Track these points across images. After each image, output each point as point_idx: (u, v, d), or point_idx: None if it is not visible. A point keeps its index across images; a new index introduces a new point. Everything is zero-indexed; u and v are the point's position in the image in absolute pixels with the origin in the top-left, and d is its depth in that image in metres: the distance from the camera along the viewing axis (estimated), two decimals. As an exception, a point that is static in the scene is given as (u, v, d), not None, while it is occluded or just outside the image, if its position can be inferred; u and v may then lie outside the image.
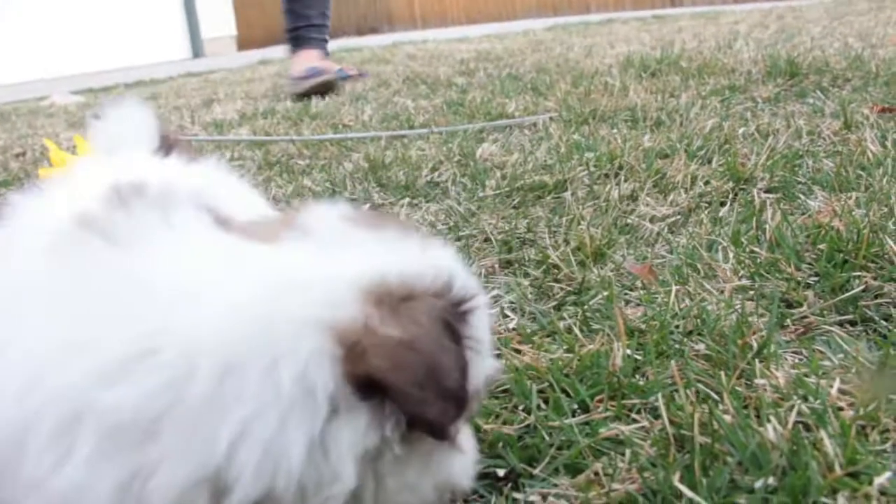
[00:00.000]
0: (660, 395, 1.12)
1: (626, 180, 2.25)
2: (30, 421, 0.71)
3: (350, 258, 0.77)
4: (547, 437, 1.14)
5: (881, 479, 0.96)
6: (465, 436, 0.88)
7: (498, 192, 2.35)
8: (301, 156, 3.30)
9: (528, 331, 1.46)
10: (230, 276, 0.75)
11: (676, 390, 1.17)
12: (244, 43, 14.32)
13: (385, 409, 0.72)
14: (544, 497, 1.02)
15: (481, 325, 0.82)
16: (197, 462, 0.69)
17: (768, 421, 1.08)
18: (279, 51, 7.90)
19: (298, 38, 5.31)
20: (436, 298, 0.77)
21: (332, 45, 6.59)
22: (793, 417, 1.08)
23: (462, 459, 0.87)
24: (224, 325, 0.71)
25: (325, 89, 5.05)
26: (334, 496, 0.72)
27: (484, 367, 0.83)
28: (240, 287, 0.73)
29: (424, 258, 0.81)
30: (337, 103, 4.67)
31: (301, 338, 0.70)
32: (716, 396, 1.16)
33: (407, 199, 2.45)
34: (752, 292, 1.50)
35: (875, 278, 1.49)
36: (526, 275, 1.75)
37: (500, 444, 1.13)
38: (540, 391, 1.25)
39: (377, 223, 0.86)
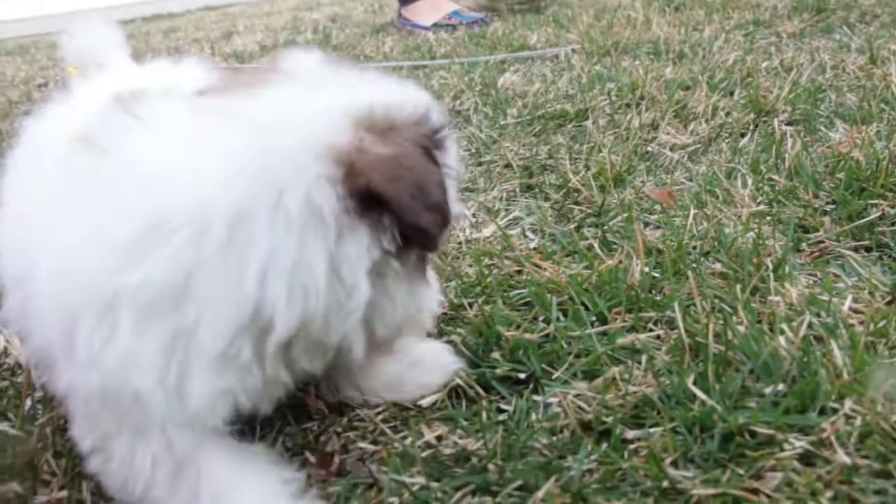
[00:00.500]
0: (676, 305, 1.16)
1: (647, 110, 2.27)
2: (75, 310, 0.77)
3: (335, 94, 0.83)
4: (566, 346, 1.18)
5: (885, 386, 1.00)
6: (430, 272, 1.00)
7: (519, 120, 2.37)
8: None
9: (549, 250, 1.50)
10: (222, 131, 0.79)
11: (692, 304, 1.22)
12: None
13: (382, 223, 0.80)
14: (563, 398, 1.07)
15: (453, 155, 0.90)
16: (233, 308, 0.75)
17: (781, 333, 1.12)
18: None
19: None
20: (416, 126, 0.84)
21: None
22: (803, 329, 1.12)
23: (431, 289, 1.00)
24: (223, 176, 0.76)
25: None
26: (354, 309, 0.80)
27: (455, 194, 0.91)
28: (232, 136, 0.78)
29: (403, 93, 0.87)
30: (357, 35, 4.66)
31: (300, 166, 0.76)
32: (730, 310, 1.20)
33: (429, 127, 2.47)
34: (769, 217, 1.53)
35: (892, 206, 1.52)
36: (546, 198, 1.79)
37: (521, 351, 1.18)
38: (559, 304, 1.29)
39: (354, 65, 0.96)
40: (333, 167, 0.76)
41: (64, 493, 1.02)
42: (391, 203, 0.78)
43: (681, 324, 1.14)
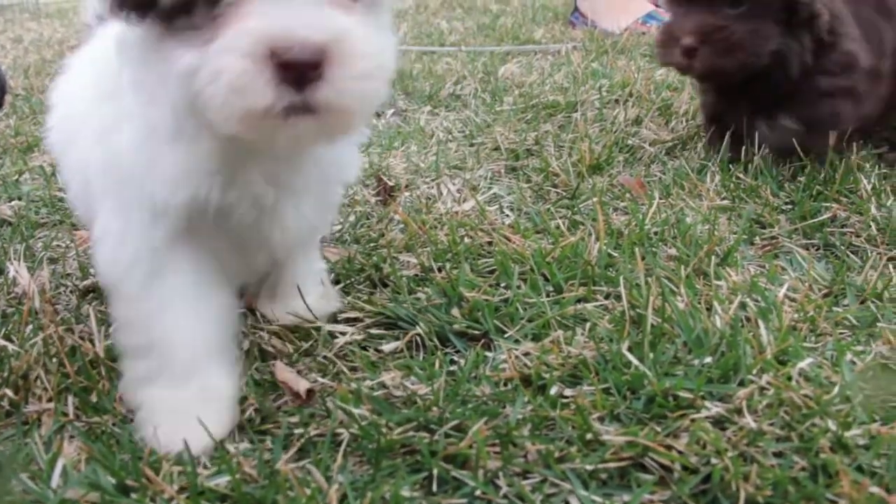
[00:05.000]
0: (622, 278, 1.25)
1: (633, 106, 2.36)
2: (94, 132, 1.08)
3: None
4: (521, 310, 1.28)
5: (803, 364, 1.10)
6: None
7: (514, 107, 2.46)
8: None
9: (522, 226, 1.60)
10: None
11: (641, 281, 1.31)
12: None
13: None
14: (509, 353, 1.17)
15: None
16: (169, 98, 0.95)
17: (716, 312, 1.22)
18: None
19: None
20: None
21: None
22: (734, 307, 1.21)
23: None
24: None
25: None
26: None
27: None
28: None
29: None
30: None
31: None
32: (675, 288, 1.30)
33: (428, 108, 2.57)
34: (730, 212, 1.63)
35: (845, 210, 1.61)
36: (528, 180, 1.88)
37: (479, 311, 1.27)
38: (521, 273, 1.38)
39: None
40: None
41: (51, 405, 1.12)
42: None
43: (624, 296, 1.23)
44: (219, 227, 1.07)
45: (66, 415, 1.11)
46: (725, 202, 1.67)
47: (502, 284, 1.36)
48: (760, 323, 1.17)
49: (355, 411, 1.05)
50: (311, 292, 1.33)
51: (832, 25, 1.81)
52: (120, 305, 1.10)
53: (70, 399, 1.13)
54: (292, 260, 1.31)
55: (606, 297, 1.31)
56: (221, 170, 1.02)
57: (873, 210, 1.59)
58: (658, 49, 1.89)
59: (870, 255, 1.45)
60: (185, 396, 1.07)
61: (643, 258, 1.36)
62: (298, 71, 0.85)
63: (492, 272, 1.42)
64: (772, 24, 1.78)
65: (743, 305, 1.25)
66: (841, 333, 1.22)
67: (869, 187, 1.69)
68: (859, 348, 1.17)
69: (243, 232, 1.10)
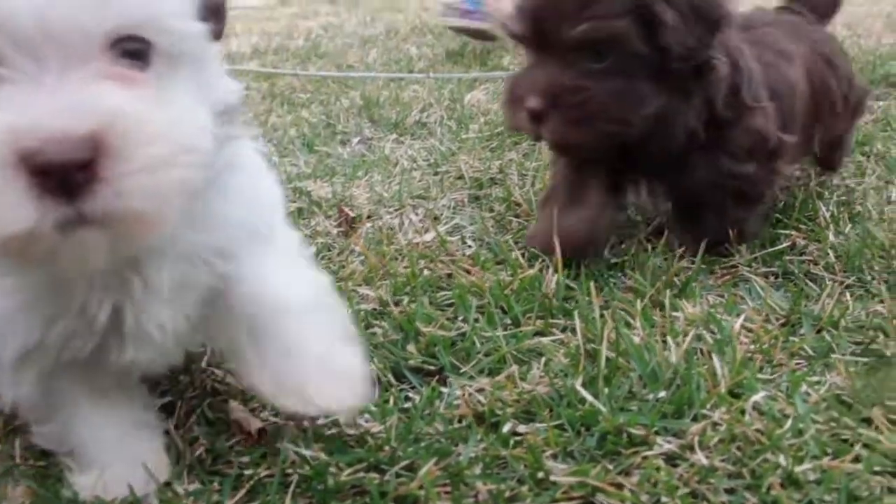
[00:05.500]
0: (576, 313, 1.25)
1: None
2: None
3: None
4: (477, 344, 1.27)
5: (756, 397, 1.09)
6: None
7: (479, 135, 2.46)
8: (304, 90, 3.42)
9: (483, 258, 1.59)
10: None
11: (599, 313, 1.31)
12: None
13: None
14: (464, 390, 1.16)
15: None
16: None
17: (670, 345, 1.21)
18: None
19: None
20: None
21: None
22: (689, 340, 1.21)
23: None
24: None
25: (481, 37, 4.01)
26: None
27: None
28: None
29: None
30: (346, 45, 4.75)
31: None
32: (632, 321, 1.30)
33: (394, 136, 2.57)
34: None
35: (804, 238, 1.62)
36: (491, 209, 1.88)
37: (436, 346, 1.26)
38: (479, 307, 1.38)
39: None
40: None
41: (-1, 447, 1.11)
42: None
43: (579, 330, 1.23)
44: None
45: (12, 458, 1.09)
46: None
47: (460, 318, 1.35)
48: (714, 356, 1.17)
49: (305, 452, 1.04)
50: (313, 369, 1.02)
51: (736, 84, 1.48)
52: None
53: (17, 441, 1.11)
54: (273, 315, 1.02)
55: (563, 331, 1.30)
56: (37, 304, 0.86)
57: (831, 237, 1.60)
58: (504, 109, 1.49)
59: (827, 282, 1.45)
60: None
61: (600, 290, 1.36)
62: (61, 175, 0.66)
63: (450, 305, 1.41)
64: (647, 82, 1.39)
65: (699, 337, 1.25)
66: (797, 364, 1.22)
67: (828, 215, 1.70)
68: (814, 379, 1.17)
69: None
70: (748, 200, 1.56)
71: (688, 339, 1.21)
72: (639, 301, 1.33)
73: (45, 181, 0.65)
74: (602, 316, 1.25)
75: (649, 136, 1.42)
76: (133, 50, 0.75)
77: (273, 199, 1.07)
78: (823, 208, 1.71)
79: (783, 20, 1.83)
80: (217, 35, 0.87)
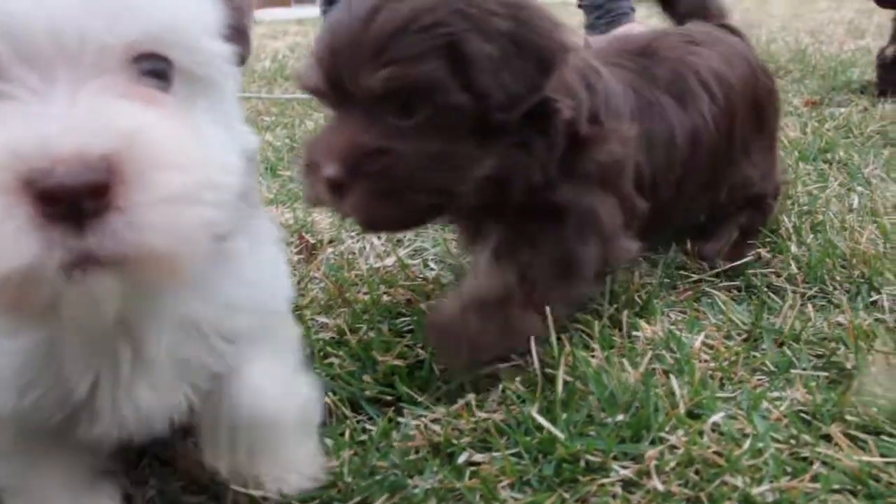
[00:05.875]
0: (532, 338, 1.22)
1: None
2: None
3: None
4: (436, 371, 1.25)
5: (715, 417, 1.08)
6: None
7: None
8: (268, 113, 3.40)
9: (444, 281, 1.57)
10: None
11: (557, 336, 1.29)
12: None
13: None
14: (420, 420, 1.14)
15: None
16: None
17: (633, 366, 1.20)
18: (275, 13, 7.99)
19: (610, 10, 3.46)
20: None
21: (301, 12, 6.65)
22: (646, 361, 1.19)
23: None
24: None
25: None
26: None
27: None
28: None
29: None
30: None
31: None
32: (591, 342, 1.28)
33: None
34: (655, 257, 1.62)
35: (769, 251, 1.61)
36: (453, 231, 1.86)
37: (393, 375, 1.24)
38: (438, 332, 1.35)
39: None
40: None
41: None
42: None
43: (534, 355, 1.21)
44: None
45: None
46: (650, 255, 1.65)
47: (419, 344, 1.33)
48: (672, 376, 1.16)
49: (255, 493, 1.01)
50: (276, 470, 0.99)
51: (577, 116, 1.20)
52: None
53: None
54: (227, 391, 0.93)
55: (522, 355, 1.28)
56: (16, 371, 0.77)
57: (794, 248, 1.59)
58: (301, 178, 1.18)
59: (790, 294, 1.44)
60: None
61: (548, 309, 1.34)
62: (70, 202, 0.56)
63: (411, 331, 1.39)
64: (471, 139, 1.11)
65: (659, 358, 1.24)
66: (759, 380, 1.21)
67: (790, 225, 1.69)
68: (775, 395, 1.15)
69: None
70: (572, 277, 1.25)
71: (645, 360, 1.19)
72: (597, 322, 1.31)
73: (52, 209, 0.56)
74: (559, 339, 1.23)
75: (493, 194, 1.17)
76: (154, 69, 0.67)
77: (285, 287, 0.97)
78: (786, 219, 1.70)
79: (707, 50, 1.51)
80: (242, 60, 0.80)
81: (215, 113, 0.73)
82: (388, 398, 1.21)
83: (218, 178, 0.65)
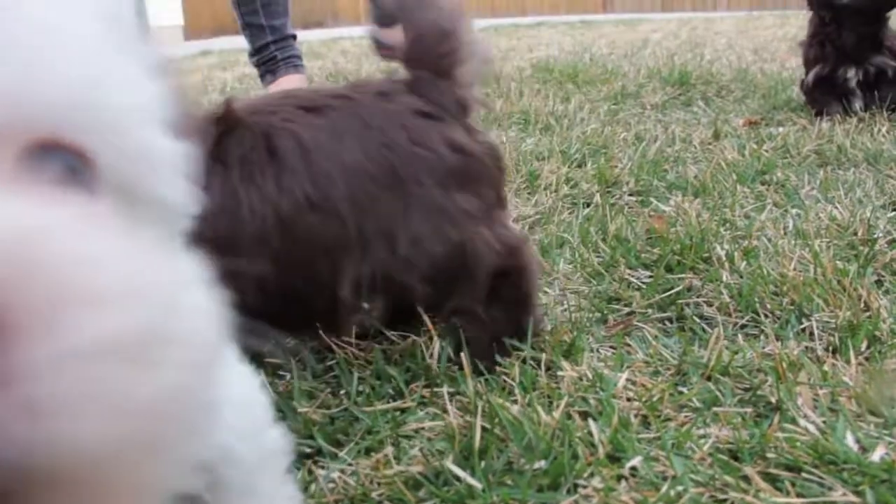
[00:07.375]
0: (445, 386, 1.20)
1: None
2: None
3: None
4: (363, 421, 1.22)
5: (634, 461, 1.06)
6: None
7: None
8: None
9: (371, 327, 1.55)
10: None
11: (481, 381, 1.26)
12: (192, 33, 14.11)
13: None
14: (343, 473, 1.10)
15: None
16: None
17: (553, 410, 1.17)
18: (226, 42, 7.95)
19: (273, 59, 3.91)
20: None
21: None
22: (562, 406, 1.17)
23: None
24: None
25: None
26: None
27: None
28: None
29: None
30: (258, 94, 4.71)
31: None
32: (513, 386, 1.26)
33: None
34: (585, 290, 1.60)
35: (700, 279, 1.60)
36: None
37: (314, 426, 1.21)
38: (362, 377, 1.33)
39: None
40: None
41: None
42: None
43: (448, 404, 1.18)
44: None
45: None
46: (580, 287, 1.64)
47: (342, 391, 1.30)
48: (591, 419, 1.13)
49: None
50: None
51: None
52: None
53: None
54: None
55: (451, 399, 1.25)
56: None
57: (726, 276, 1.58)
58: None
59: (720, 325, 1.43)
60: None
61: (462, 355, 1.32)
62: None
63: (335, 377, 1.36)
64: None
65: (583, 399, 1.21)
66: (686, 416, 1.19)
67: (722, 253, 1.68)
68: (700, 432, 1.14)
69: None
70: None
71: (562, 404, 1.17)
72: (518, 365, 1.29)
73: None
74: (476, 386, 1.20)
75: None
76: (69, 166, 0.45)
77: (278, 448, 0.79)
78: (718, 247, 1.70)
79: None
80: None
81: (173, 237, 0.53)
82: (308, 451, 1.18)
83: (187, 325, 0.40)
